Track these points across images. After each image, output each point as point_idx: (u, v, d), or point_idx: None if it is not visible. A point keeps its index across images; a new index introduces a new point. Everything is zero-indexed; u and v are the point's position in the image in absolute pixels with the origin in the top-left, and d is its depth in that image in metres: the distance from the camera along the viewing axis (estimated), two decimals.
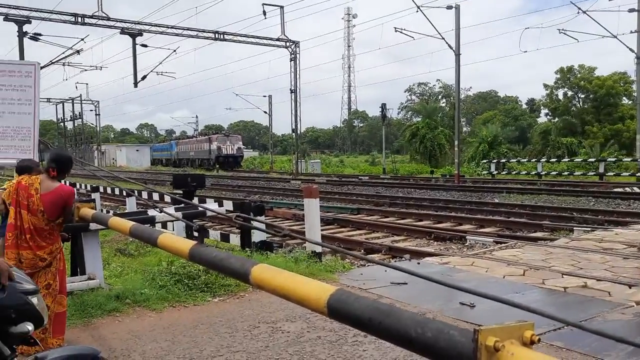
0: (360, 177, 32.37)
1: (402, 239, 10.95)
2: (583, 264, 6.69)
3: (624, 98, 46.52)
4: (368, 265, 7.60)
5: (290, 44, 34.27)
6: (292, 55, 35.03)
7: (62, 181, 4.06)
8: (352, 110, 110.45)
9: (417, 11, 24.89)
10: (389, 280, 5.98)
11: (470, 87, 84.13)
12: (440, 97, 77.39)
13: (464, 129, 71.46)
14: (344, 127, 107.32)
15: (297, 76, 35.48)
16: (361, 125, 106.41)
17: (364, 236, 11.32)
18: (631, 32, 26.22)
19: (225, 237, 8.77)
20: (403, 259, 8.43)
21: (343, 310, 1.35)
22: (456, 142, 27.21)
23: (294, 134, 37.94)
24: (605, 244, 8.08)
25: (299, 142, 41.75)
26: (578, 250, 7.58)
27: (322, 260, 7.20)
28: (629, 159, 27.77)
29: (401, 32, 26.81)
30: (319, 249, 7.34)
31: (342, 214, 14.47)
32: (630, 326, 4.44)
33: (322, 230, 10.66)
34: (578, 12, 25.47)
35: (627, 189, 19.27)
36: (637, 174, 24.83)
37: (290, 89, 36.08)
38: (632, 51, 26.23)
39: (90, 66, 34.87)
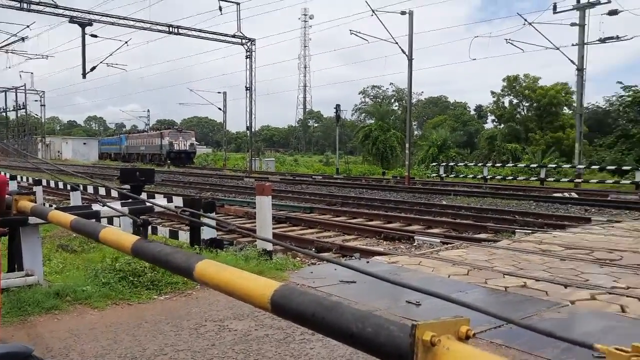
0: (314, 177, 32.47)
1: (353, 238, 11.07)
2: (523, 265, 6.96)
3: (565, 108, 48.61)
4: (319, 264, 7.63)
5: (246, 41, 34.00)
6: (248, 53, 34.78)
7: None
8: (307, 110, 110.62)
9: (372, 15, 25.25)
10: (339, 279, 6.03)
11: (422, 92, 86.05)
12: (393, 100, 78.66)
13: (415, 132, 72.84)
14: (298, 127, 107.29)
15: (253, 74, 35.29)
16: (316, 125, 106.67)
17: (316, 235, 11.38)
18: (572, 44, 27.50)
19: (174, 234, 8.59)
20: (353, 257, 8.53)
21: (287, 306, 1.35)
22: (407, 145, 27.74)
23: (248, 131, 37.63)
24: (544, 245, 8.44)
25: (254, 140, 41.44)
26: (519, 252, 7.88)
27: (272, 259, 7.18)
28: (568, 166, 29.11)
29: (356, 35, 27.12)
30: (269, 247, 7.31)
31: (294, 213, 14.47)
32: (565, 324, 4.66)
33: (274, 228, 10.61)
34: (524, 24, 26.49)
35: (566, 194, 20.18)
36: (575, 180, 26.06)
37: (246, 86, 35.84)
38: (573, 63, 27.51)
39: (36, 54, 33.48)
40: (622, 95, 39.40)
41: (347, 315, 1.23)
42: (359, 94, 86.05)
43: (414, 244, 10.08)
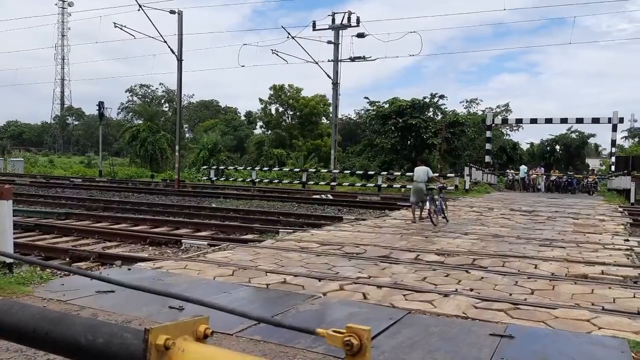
0: (72, 180, 29.75)
1: (115, 245, 10.36)
2: (284, 262, 7.41)
3: (324, 118, 53.62)
4: (73, 275, 6.92)
5: None
6: None
7: None
8: (66, 105, 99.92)
9: (138, 10, 24.05)
10: (95, 289, 5.55)
11: (193, 94, 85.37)
12: (163, 101, 76.31)
13: (187, 135, 71.92)
14: (55, 124, 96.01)
15: None
16: (76, 123, 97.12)
17: (71, 243, 10.34)
18: (328, 60, 30.53)
19: None
20: (114, 265, 7.97)
21: (3, 324, 1.17)
22: (177, 147, 27.17)
23: None
24: (303, 243, 9.13)
25: None
26: (281, 250, 8.37)
27: (13, 272, 6.25)
28: (325, 170, 32.21)
29: (121, 29, 25.49)
30: (9, 259, 6.35)
31: (46, 220, 13.01)
32: (318, 314, 5.10)
33: (18, 237, 9.37)
34: (288, 37, 28.42)
35: (323, 196, 22.26)
36: (331, 184, 28.92)
37: None
38: (329, 77, 30.52)
39: None
40: (368, 110, 45.26)
41: (77, 327, 1.12)
42: (126, 92, 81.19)
43: (182, 248, 9.90)
